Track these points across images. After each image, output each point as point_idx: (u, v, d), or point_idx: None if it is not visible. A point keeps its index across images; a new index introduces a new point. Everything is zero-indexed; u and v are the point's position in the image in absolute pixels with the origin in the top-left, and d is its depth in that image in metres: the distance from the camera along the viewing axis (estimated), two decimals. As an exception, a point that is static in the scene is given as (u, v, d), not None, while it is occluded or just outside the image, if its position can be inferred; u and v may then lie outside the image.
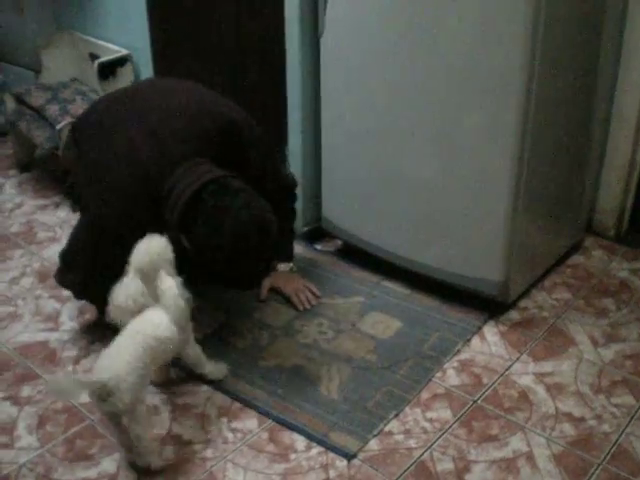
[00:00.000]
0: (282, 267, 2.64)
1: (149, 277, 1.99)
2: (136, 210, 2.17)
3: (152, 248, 2.00)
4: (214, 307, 2.54)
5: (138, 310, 1.98)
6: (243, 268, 2.17)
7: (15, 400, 2.20)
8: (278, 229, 2.36)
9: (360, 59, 2.44)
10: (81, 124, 2.42)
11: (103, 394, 1.79)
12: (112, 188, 2.19)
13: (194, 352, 2.15)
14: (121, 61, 3.36)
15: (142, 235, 2.05)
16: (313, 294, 2.60)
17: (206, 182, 2.08)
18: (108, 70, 3.31)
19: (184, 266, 2.08)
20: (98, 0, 3.54)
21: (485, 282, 2.42)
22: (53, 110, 3.23)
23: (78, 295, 2.46)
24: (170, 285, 1.97)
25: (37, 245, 3.02)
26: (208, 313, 2.50)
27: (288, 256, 2.67)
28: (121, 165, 2.18)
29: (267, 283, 2.62)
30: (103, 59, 3.33)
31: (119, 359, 1.85)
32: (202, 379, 2.23)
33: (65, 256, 2.41)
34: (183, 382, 2.25)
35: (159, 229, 2.08)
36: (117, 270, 2.03)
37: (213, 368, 2.21)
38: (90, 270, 2.30)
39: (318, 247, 2.94)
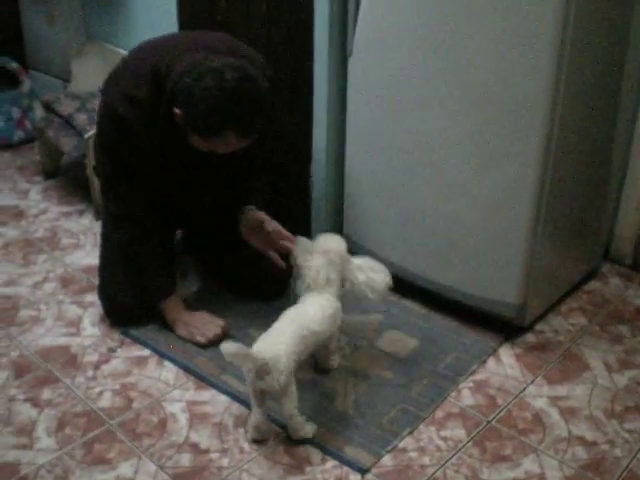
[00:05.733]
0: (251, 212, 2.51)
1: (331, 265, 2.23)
2: (137, 86, 2.24)
3: (339, 241, 2.30)
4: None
5: (319, 287, 2.20)
6: (229, 112, 2.09)
7: (35, 402, 2.23)
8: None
9: (387, 80, 2.48)
10: None
11: (262, 371, 1.95)
12: (118, 73, 2.35)
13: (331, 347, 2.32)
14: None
15: (147, 121, 2.23)
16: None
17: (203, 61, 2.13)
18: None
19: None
20: (129, 12, 3.60)
21: (503, 304, 2.45)
22: (81, 119, 3.29)
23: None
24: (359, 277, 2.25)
25: (60, 251, 3.07)
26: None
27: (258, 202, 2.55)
28: (134, 56, 2.38)
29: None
30: (132, 71, 3.38)
31: (278, 343, 2.00)
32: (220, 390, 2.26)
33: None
34: (201, 391, 2.28)
35: (156, 112, 2.21)
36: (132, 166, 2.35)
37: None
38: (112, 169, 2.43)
39: (337, 263, 2.96)
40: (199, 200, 2.54)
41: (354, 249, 2.83)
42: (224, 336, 2.44)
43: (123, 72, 2.34)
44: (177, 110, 2.14)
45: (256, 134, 2.20)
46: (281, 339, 2.01)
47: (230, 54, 2.23)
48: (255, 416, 2.06)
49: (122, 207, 2.43)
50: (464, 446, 2.09)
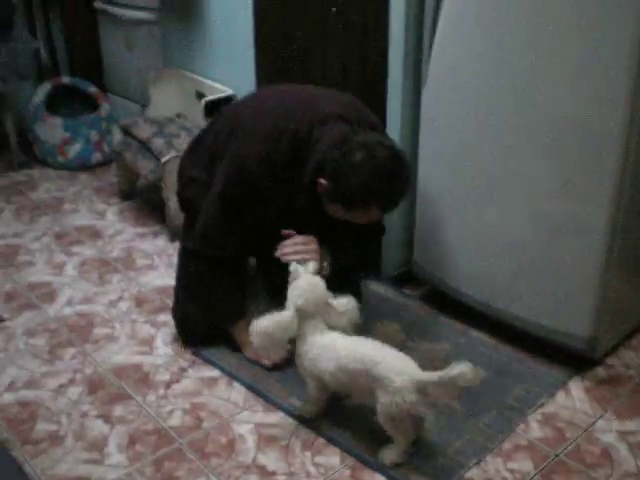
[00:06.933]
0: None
1: (305, 314, 2.16)
2: (276, 149, 2.28)
3: (312, 287, 2.18)
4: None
5: (278, 342, 2.14)
6: (378, 188, 2.17)
7: (107, 418, 2.28)
8: (356, 267, 2.49)
9: (461, 109, 2.50)
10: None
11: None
12: (255, 131, 2.34)
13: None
14: (226, 100, 3.46)
15: (277, 182, 2.28)
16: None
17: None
18: (213, 108, 3.42)
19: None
20: (206, 40, 3.67)
21: (573, 337, 2.43)
22: (159, 143, 3.35)
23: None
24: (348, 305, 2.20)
25: (135, 271, 3.14)
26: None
27: (355, 291, 2.45)
28: (266, 113, 2.37)
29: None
30: (210, 98, 3.44)
31: (405, 360, 2.07)
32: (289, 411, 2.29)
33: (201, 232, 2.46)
34: (270, 413, 2.31)
35: (294, 174, 2.26)
36: (251, 224, 2.38)
37: None
38: (227, 228, 2.41)
39: (406, 291, 2.98)
40: None
41: (424, 276, 2.85)
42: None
43: (254, 129, 2.35)
44: (322, 180, 2.20)
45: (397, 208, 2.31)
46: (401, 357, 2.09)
47: (364, 125, 2.28)
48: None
49: (208, 249, 2.44)
50: (531, 479, 2.07)
